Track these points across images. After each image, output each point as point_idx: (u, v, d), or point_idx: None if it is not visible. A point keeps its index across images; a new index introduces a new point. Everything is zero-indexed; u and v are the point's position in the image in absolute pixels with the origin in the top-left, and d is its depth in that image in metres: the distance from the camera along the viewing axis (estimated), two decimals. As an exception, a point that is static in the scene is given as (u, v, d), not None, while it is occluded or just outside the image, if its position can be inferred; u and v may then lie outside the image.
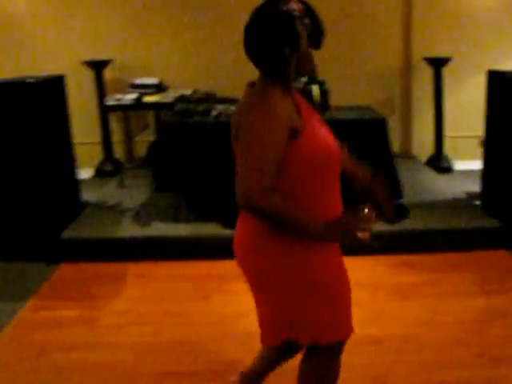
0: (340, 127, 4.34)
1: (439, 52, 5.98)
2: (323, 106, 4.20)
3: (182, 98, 4.48)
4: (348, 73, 6.08)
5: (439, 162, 6.22)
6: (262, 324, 2.07)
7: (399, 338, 3.07)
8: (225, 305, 3.51)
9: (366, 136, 4.27)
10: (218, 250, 4.14)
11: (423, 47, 6.11)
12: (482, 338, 2.70)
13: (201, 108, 4.18)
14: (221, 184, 4.30)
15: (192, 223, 4.36)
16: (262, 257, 1.89)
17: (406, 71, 6.36)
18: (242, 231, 1.94)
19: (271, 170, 1.72)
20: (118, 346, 3.07)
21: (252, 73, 5.90)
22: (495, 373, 2.79)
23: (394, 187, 4.38)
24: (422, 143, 6.12)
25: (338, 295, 1.98)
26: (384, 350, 2.96)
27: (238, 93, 4.52)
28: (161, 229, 4.32)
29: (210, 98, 4.36)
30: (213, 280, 3.83)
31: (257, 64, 1.84)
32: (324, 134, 1.89)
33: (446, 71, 5.96)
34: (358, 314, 3.35)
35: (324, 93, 4.20)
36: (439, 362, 2.78)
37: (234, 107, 4.27)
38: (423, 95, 6.26)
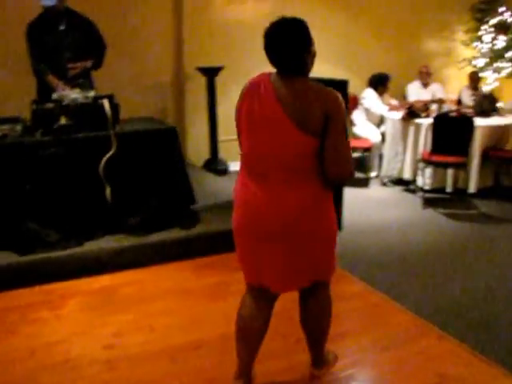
0: (134, 139, 4.37)
1: (212, 61, 6.26)
2: (114, 119, 4.16)
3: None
4: (125, 86, 6.01)
5: (215, 165, 6.53)
6: (290, 274, 2.58)
7: (220, 338, 3.18)
8: (34, 336, 3.30)
9: (159, 145, 4.36)
10: (16, 279, 3.89)
11: (196, 57, 6.36)
12: (297, 326, 2.86)
13: (-16, 130, 3.85)
14: (14, 210, 4.01)
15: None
16: (322, 214, 2.43)
17: (179, 82, 6.56)
18: (301, 201, 2.36)
19: None
20: None
21: (29, 88, 5.50)
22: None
23: (189, 194, 4.51)
24: (198, 149, 6.37)
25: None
26: (209, 352, 3.07)
27: (20, 111, 4.27)
28: None
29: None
30: (15, 312, 3.57)
31: (288, 69, 2.29)
32: None
33: (219, 78, 6.28)
34: (174, 323, 3.42)
35: (114, 107, 4.15)
36: (262, 353, 2.89)
37: (19, 126, 4.03)
38: (197, 103, 6.52)
